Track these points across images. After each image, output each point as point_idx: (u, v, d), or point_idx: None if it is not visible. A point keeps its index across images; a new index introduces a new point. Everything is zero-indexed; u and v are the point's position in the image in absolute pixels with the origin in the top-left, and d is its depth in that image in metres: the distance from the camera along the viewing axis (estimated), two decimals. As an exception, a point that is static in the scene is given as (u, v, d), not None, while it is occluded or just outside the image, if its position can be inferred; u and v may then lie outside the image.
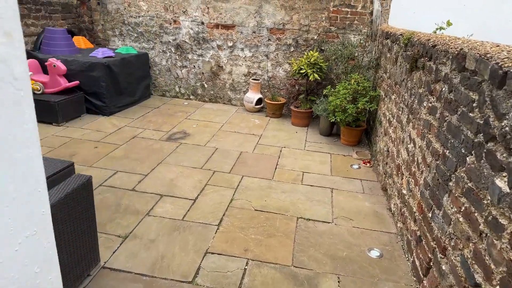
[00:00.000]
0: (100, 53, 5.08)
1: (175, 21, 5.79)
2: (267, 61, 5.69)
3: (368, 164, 4.05)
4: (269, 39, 5.56)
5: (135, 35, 6.02)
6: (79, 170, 3.47)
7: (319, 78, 4.89)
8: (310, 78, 4.85)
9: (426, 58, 2.60)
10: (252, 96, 5.70)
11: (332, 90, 4.60)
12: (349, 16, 5.18)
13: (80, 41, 5.67)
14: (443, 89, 2.19)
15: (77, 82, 4.84)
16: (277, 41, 5.54)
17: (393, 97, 3.63)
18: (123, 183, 3.30)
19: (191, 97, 6.24)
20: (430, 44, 2.53)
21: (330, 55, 5.07)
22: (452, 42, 2.20)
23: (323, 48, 5.34)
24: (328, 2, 5.17)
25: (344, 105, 4.24)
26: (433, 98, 2.37)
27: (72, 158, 3.71)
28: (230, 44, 5.73)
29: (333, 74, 5.13)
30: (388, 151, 3.59)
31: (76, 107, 4.84)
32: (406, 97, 3.09)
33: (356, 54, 5.18)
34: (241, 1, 5.43)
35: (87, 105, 5.02)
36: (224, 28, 5.67)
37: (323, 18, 5.27)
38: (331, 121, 4.42)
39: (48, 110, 4.48)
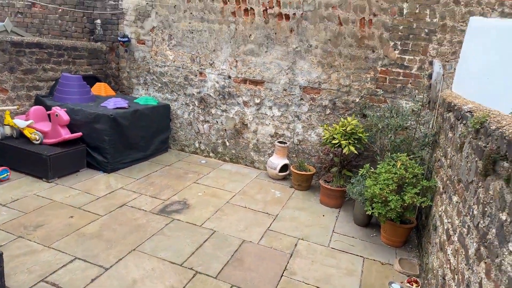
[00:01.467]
0: (111, 104, 4.64)
1: (201, 73, 5.28)
2: (298, 122, 4.85)
3: (414, 285, 2.85)
4: (301, 99, 4.75)
5: (159, 85, 5.60)
6: (31, 252, 2.78)
7: (355, 151, 3.89)
8: (344, 151, 3.87)
9: (516, 167, 1.55)
10: (277, 161, 4.82)
11: (371, 170, 3.56)
12: (401, 78, 4.21)
13: (101, 88, 5.36)
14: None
15: (80, 134, 4.38)
16: (311, 101, 4.70)
17: (454, 199, 2.51)
18: (71, 282, 2.52)
19: (211, 154, 5.53)
20: (523, 145, 1.49)
21: (374, 123, 4.08)
22: None
23: (365, 113, 4.38)
24: (375, 60, 4.28)
25: (385, 195, 3.16)
26: (532, 246, 1.29)
27: (36, 231, 3.07)
28: (257, 101, 5.02)
29: (376, 146, 4.10)
30: (444, 279, 2.41)
31: (74, 161, 4.34)
32: (475, 213, 1.99)
33: (407, 124, 4.13)
34: (272, 56, 4.77)
35: (89, 159, 4.51)
36: (252, 84, 5.00)
37: (368, 79, 4.36)
38: (368, 213, 3.33)
39: (40, 164, 4.00)
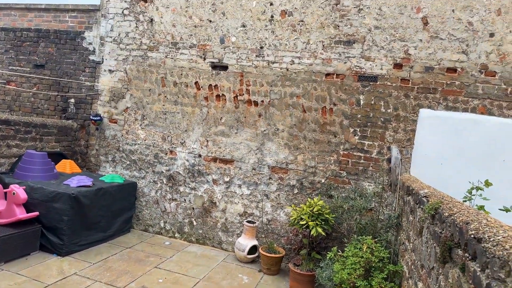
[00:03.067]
0: (75, 182, 4.50)
1: (171, 152, 5.34)
2: (267, 201, 4.86)
3: None
4: (270, 178, 4.84)
5: (128, 162, 5.57)
6: None
7: (323, 233, 3.88)
8: (312, 233, 3.85)
9: (467, 255, 1.61)
10: (245, 242, 4.68)
11: (339, 253, 3.52)
12: (362, 161, 4.46)
13: (66, 166, 5.23)
14: None
15: (36, 213, 4.13)
16: (279, 180, 4.80)
17: (420, 285, 2.49)
18: None
19: (176, 235, 5.30)
20: (471, 233, 1.57)
21: (339, 203, 4.17)
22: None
23: (331, 194, 4.49)
24: (338, 144, 4.55)
25: (353, 280, 3.09)
26: None
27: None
28: (226, 179, 5.06)
29: (343, 228, 4.12)
30: None
31: (25, 243, 4.01)
32: (440, 302, 1.97)
33: (371, 206, 4.24)
34: (242, 137, 4.97)
35: (43, 241, 4.19)
36: (222, 162, 5.09)
37: (332, 161, 4.58)
38: (337, 301, 3.20)
39: (-15, 247, 3.66)
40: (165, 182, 5.37)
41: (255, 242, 4.73)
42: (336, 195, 4.30)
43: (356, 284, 3.07)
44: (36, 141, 5.11)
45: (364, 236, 3.57)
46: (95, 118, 5.55)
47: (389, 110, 4.38)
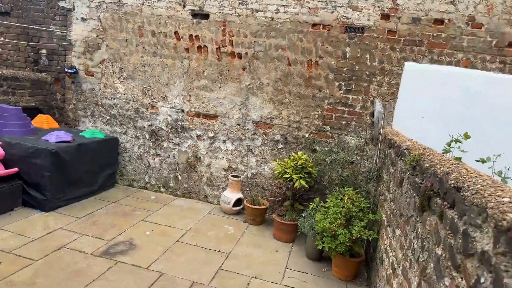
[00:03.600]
0: (53, 137, 4.37)
1: (152, 106, 5.20)
2: (251, 156, 4.89)
3: (364, 320, 2.88)
4: (254, 133, 4.83)
5: (108, 117, 5.41)
6: None
7: (306, 186, 3.98)
8: (295, 185, 3.95)
9: (446, 204, 1.68)
10: (231, 195, 4.78)
11: (321, 204, 3.65)
12: (346, 115, 4.48)
13: (43, 121, 5.04)
14: (482, 276, 1.21)
15: (16, 169, 4.03)
16: (264, 135, 4.80)
17: (397, 232, 2.64)
18: None
19: (162, 189, 5.35)
20: (451, 183, 1.63)
21: (322, 157, 4.24)
22: (493, 190, 1.30)
23: (315, 148, 4.55)
24: (323, 99, 4.53)
25: (334, 229, 3.24)
26: (463, 280, 1.38)
27: (-47, 282, 2.68)
28: (211, 134, 5.02)
29: (325, 180, 4.24)
30: (392, 312, 2.48)
31: (7, 200, 3.95)
32: (415, 247, 2.10)
33: (353, 159, 4.35)
34: (226, 91, 4.86)
35: (25, 197, 4.14)
36: (206, 118, 5.01)
37: (316, 116, 4.58)
38: (319, 248, 3.37)
39: (-35, 204, 3.59)
40: (147, 138, 5.29)
41: (240, 195, 4.83)
42: (319, 149, 4.36)
43: (337, 232, 3.23)
44: (9, 95, 4.85)
45: (345, 187, 3.69)
46: (70, 71, 5.27)
47: (374, 63, 4.32)
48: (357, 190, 3.62)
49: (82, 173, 4.57)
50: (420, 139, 3.22)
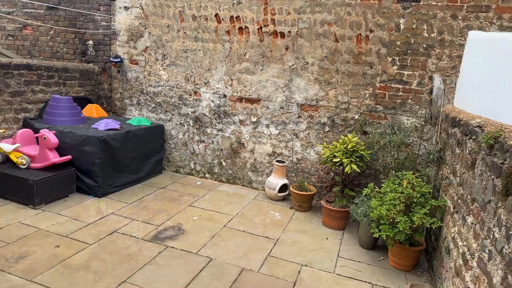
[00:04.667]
0: (102, 125, 4.47)
1: (195, 93, 5.16)
2: (296, 140, 4.70)
3: (429, 314, 2.64)
4: (299, 116, 4.63)
5: (153, 105, 5.46)
6: (12, 286, 2.54)
7: (358, 170, 3.73)
8: (346, 170, 3.71)
9: (546, 186, 1.40)
10: (275, 181, 4.64)
11: (376, 189, 3.39)
12: (400, 93, 4.12)
13: (93, 110, 5.20)
14: None
15: (69, 157, 4.19)
16: (309, 118, 4.58)
17: (469, 219, 2.34)
18: (53, 321, 2.28)
19: (207, 175, 5.34)
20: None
21: (375, 140, 3.95)
22: None
23: (366, 130, 4.26)
24: (374, 76, 4.19)
25: (392, 216, 2.98)
26: None
27: (18, 263, 2.83)
28: (253, 119, 4.89)
29: (378, 164, 3.95)
30: (464, 309, 2.21)
31: (63, 186, 4.12)
32: (497, 236, 1.82)
33: (410, 141, 4.00)
34: (268, 74, 4.67)
35: (79, 184, 4.30)
36: (248, 102, 4.88)
37: (367, 95, 4.26)
38: (375, 237, 3.14)
39: (26, 190, 3.79)
40: (191, 124, 5.28)
41: (285, 181, 4.68)
42: (371, 131, 4.06)
43: (395, 220, 2.97)
44: (60, 86, 5.04)
45: (403, 171, 3.39)
46: (115, 60, 5.36)
47: (432, 35, 3.90)
48: (416, 174, 3.31)
49: (130, 160, 4.67)
50: (488, 116, 2.84)
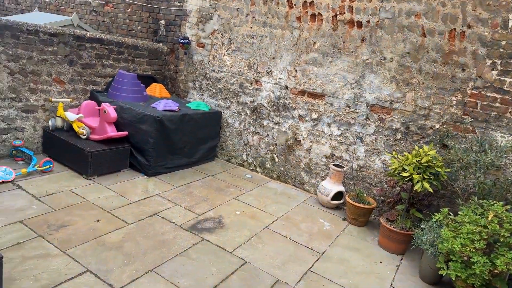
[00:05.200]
0: (161, 105, 4.45)
1: (256, 81, 4.91)
2: (360, 145, 4.20)
3: None
4: (367, 118, 4.10)
5: (214, 90, 5.34)
6: (45, 256, 2.55)
7: (430, 189, 3.13)
8: (416, 188, 3.15)
9: None
10: (330, 187, 4.20)
11: (450, 217, 2.80)
12: (497, 105, 3.38)
13: (156, 89, 5.25)
14: None
15: (125, 133, 4.24)
16: (379, 122, 4.04)
17: None
18: (73, 299, 2.21)
19: (258, 169, 5.09)
20: None
21: (457, 157, 3.29)
22: None
23: (447, 143, 3.60)
24: (465, 81, 3.50)
25: (468, 254, 2.41)
26: None
27: (58, 231, 2.87)
28: (314, 116, 4.48)
29: (457, 186, 3.29)
30: None
31: (117, 160, 4.19)
32: None
33: (502, 163, 3.27)
34: (338, 67, 4.21)
35: (132, 160, 4.34)
36: (311, 96, 4.48)
37: (454, 102, 3.59)
38: (441, 274, 2.59)
39: (82, 160, 3.90)
40: (249, 114, 5.05)
41: (341, 188, 4.22)
42: (453, 146, 3.41)
43: (471, 259, 2.40)
44: (129, 62, 5.15)
45: (489, 200, 2.75)
46: (183, 41, 5.33)
47: (554, 35, 3.09)
48: (507, 207, 2.64)
49: (184, 143, 4.60)
50: None
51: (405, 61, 3.78)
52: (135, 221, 3.25)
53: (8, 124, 3.95)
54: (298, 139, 4.67)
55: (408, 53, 3.74)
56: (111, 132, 4.13)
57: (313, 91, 4.44)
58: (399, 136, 3.93)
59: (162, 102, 4.51)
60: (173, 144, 4.43)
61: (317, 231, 3.67)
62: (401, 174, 3.23)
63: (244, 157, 5.20)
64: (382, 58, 3.90)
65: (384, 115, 4.00)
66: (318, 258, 3.15)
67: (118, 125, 4.27)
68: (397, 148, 3.94)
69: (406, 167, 3.21)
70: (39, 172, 3.82)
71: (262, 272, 2.81)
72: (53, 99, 4.21)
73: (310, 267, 3.00)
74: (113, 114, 4.08)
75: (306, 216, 3.96)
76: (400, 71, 3.82)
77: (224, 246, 3.09)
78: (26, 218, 2.96)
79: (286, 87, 4.65)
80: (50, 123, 4.22)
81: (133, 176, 4.22)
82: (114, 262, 2.62)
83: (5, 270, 2.25)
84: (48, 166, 3.88)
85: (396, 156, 3.46)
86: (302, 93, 4.54)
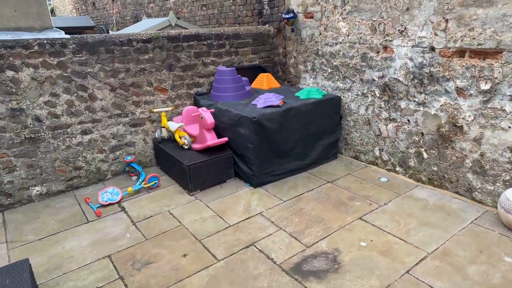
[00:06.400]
0: (262, 101, 3.70)
1: (385, 48, 3.53)
2: None
3: None
4: None
5: (329, 70, 4.22)
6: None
7: None
8: None
9: None
10: (523, 200, 2.58)
11: None
12: None
13: (263, 81, 4.52)
14: None
15: (225, 139, 3.68)
16: None
17: None
18: None
19: (397, 169, 3.75)
20: None
21: None
22: None
23: None
24: None
25: None
26: None
27: (140, 271, 2.51)
28: (484, 86, 2.84)
29: None
30: None
31: (220, 171, 3.70)
32: None
33: None
34: (525, -2, 2.46)
35: (236, 168, 3.79)
36: (476, 56, 2.85)
37: None
38: None
39: (183, 174, 3.56)
40: (377, 95, 3.74)
41: (546, 201, 2.52)
42: None
43: None
44: (232, 55, 4.58)
45: None
46: (287, 16, 4.38)
47: None
48: None
49: (293, 143, 3.74)
50: None
51: None
52: (227, 255, 2.63)
53: (119, 140, 3.96)
54: (458, 124, 3.11)
55: None
56: (210, 140, 3.64)
57: (479, 47, 2.80)
58: None
59: (263, 97, 3.74)
60: (279, 146, 3.64)
61: (500, 280, 2.22)
62: None
63: (377, 152, 3.93)
64: None
65: None
66: None
67: (218, 130, 3.77)
68: None
69: None
70: (146, 189, 3.69)
71: None
72: (154, 110, 4.03)
73: None
74: (209, 120, 3.57)
75: (478, 250, 2.51)
76: None
77: (336, 305, 2.13)
78: (115, 252, 2.73)
79: (432, 49, 3.12)
80: (156, 134, 4.08)
81: (238, 188, 3.65)
82: (186, 325, 2.05)
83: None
84: (154, 182, 3.70)
85: None
86: (461, 53, 2.94)
